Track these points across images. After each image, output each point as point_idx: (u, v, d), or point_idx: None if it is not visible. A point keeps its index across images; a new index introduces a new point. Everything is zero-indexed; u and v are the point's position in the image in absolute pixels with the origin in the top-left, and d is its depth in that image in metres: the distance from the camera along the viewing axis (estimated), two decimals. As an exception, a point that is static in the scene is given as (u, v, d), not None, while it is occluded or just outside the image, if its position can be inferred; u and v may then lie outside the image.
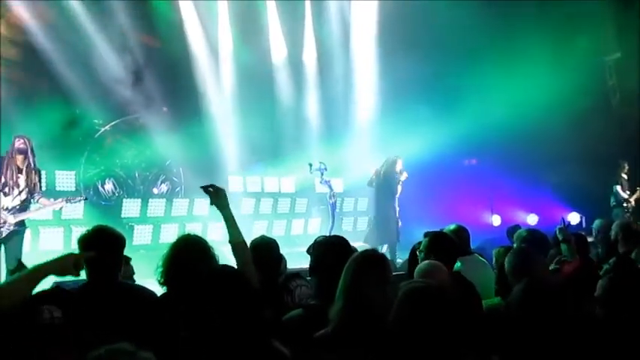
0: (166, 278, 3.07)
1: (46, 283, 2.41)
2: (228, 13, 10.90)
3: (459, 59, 11.28)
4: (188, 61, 10.50)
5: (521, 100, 10.79)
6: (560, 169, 11.37)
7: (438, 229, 4.26)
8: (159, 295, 3.17)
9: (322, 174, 8.99)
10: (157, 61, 9.92)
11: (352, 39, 12.08)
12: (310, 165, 9.02)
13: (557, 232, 4.50)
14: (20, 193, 6.60)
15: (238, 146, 10.64)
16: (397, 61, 11.02)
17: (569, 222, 4.92)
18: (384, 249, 9.25)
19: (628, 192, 10.45)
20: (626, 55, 11.58)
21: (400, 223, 9.43)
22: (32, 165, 6.70)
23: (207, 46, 10.77)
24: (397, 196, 9.43)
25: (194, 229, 8.49)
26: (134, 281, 3.87)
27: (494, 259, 4.35)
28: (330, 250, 3.19)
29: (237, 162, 10.67)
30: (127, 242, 3.20)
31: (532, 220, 11.58)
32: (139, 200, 9.62)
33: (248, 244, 3.83)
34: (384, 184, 9.49)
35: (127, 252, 3.61)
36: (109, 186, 9.61)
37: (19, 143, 6.66)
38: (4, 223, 6.47)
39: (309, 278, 3.55)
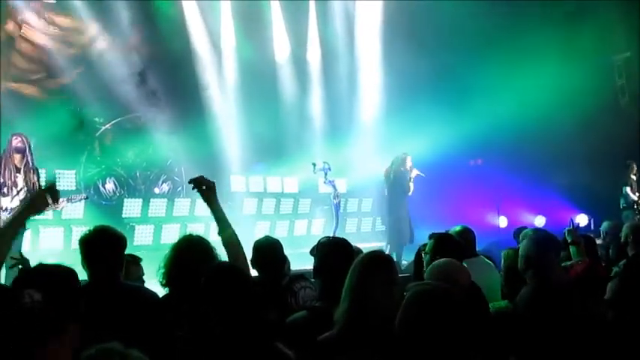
0: (168, 279, 3.07)
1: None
2: (231, 12, 10.83)
3: (464, 58, 11.19)
4: (191, 59, 10.43)
5: (528, 99, 10.70)
6: (568, 169, 11.27)
7: (443, 231, 4.17)
8: (161, 296, 3.15)
9: (326, 174, 8.93)
10: (159, 59, 9.86)
11: (356, 37, 12.01)
12: (314, 165, 8.95)
13: (566, 234, 4.41)
14: (19, 193, 6.46)
15: (241, 146, 10.57)
16: (402, 60, 10.95)
17: (578, 224, 4.82)
18: (388, 250, 9.15)
19: (638, 193, 10.30)
20: (636, 54, 11.49)
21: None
22: (30, 164, 6.54)
23: (210, 45, 10.72)
24: (409, 194, 9.35)
25: (196, 229, 8.40)
26: (143, 282, 3.87)
27: (502, 261, 4.25)
28: (334, 252, 3.17)
29: (239, 161, 10.60)
30: (127, 242, 3.17)
31: (539, 221, 11.47)
32: (140, 200, 9.58)
33: (251, 245, 3.79)
34: (394, 184, 9.41)
35: (127, 252, 3.61)
36: (109, 185, 9.55)
37: (16, 142, 6.48)
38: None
39: (313, 280, 3.51)
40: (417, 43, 10.80)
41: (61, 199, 6.84)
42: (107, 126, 9.58)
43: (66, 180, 8.81)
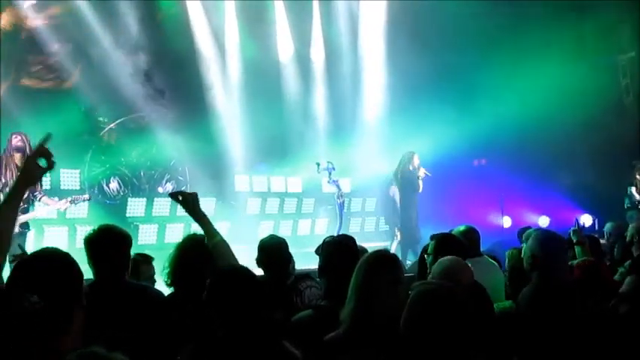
0: (173, 279, 3.08)
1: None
2: (235, 11, 10.83)
3: (468, 58, 11.16)
4: (194, 59, 10.43)
5: (532, 99, 10.65)
6: (573, 169, 11.23)
7: (446, 231, 4.16)
8: (166, 295, 3.16)
9: (330, 173, 8.92)
10: (163, 59, 9.86)
11: (360, 37, 11.99)
12: (318, 164, 8.95)
13: (572, 234, 4.40)
14: None
15: (245, 145, 10.56)
16: (406, 60, 10.92)
17: (583, 224, 4.81)
18: (392, 249, 9.15)
19: (643, 194, 10.25)
20: (641, 54, 11.42)
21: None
22: None
23: (214, 45, 10.71)
24: (419, 191, 9.38)
25: (200, 228, 8.40)
26: (155, 281, 3.88)
27: (506, 261, 4.24)
28: (339, 251, 3.17)
29: (243, 161, 10.59)
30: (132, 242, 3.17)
31: (543, 221, 11.42)
32: (144, 199, 9.60)
33: (255, 244, 3.79)
34: (403, 183, 9.47)
35: (135, 252, 3.62)
36: (113, 185, 9.56)
37: (16, 141, 6.45)
38: None
39: (318, 279, 3.50)
40: (421, 42, 10.77)
41: (64, 200, 6.83)
42: (111, 125, 9.59)
43: (70, 179, 8.83)
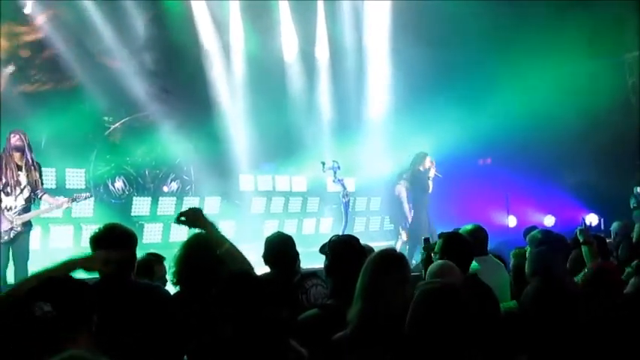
0: (179, 278, 3.07)
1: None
2: (240, 10, 10.83)
3: (474, 56, 11.13)
4: (199, 58, 10.43)
5: (538, 98, 10.63)
6: (578, 169, 11.19)
7: (452, 230, 4.15)
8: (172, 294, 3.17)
9: (335, 173, 8.92)
10: (168, 58, 9.87)
11: (365, 35, 11.97)
12: (323, 164, 8.94)
13: (578, 234, 4.38)
14: (22, 191, 6.40)
15: (249, 144, 10.55)
16: (411, 59, 10.91)
17: (590, 223, 4.80)
18: (397, 248, 9.14)
19: (649, 193, 10.21)
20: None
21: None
22: (31, 161, 6.44)
23: (218, 44, 10.71)
24: (429, 191, 9.45)
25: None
26: (166, 280, 3.83)
27: (512, 261, 4.23)
28: (347, 250, 3.17)
29: (248, 160, 10.59)
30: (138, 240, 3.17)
31: (549, 221, 11.38)
32: (149, 198, 9.60)
33: (261, 243, 3.78)
34: (413, 183, 9.55)
35: (137, 251, 3.62)
36: (119, 184, 9.57)
37: (15, 139, 6.36)
38: (12, 225, 6.30)
39: (325, 278, 3.50)
40: (426, 41, 10.75)
41: (65, 199, 6.82)
42: (116, 125, 9.60)
43: (76, 178, 8.85)
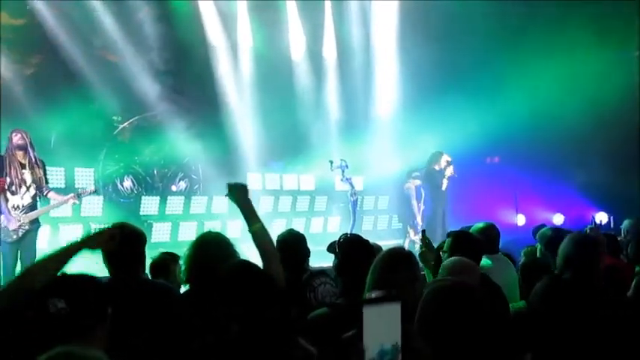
0: (189, 277, 3.07)
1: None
2: (247, 9, 10.84)
3: (481, 56, 11.09)
4: (207, 57, 10.45)
5: (546, 95, 10.57)
6: (587, 167, 11.11)
7: (461, 228, 4.14)
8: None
9: (343, 171, 8.93)
10: (176, 58, 9.89)
11: (373, 34, 11.96)
12: (331, 162, 8.96)
13: (588, 232, 4.34)
14: (28, 189, 6.42)
15: (257, 143, 10.57)
16: (418, 57, 10.89)
17: (600, 222, 4.77)
18: (405, 247, 9.14)
19: (660, 191, 10.13)
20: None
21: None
22: (34, 159, 6.47)
23: (226, 43, 10.72)
24: (443, 190, 9.49)
25: (213, 226, 8.44)
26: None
27: (522, 259, 4.21)
28: (357, 249, 3.17)
29: (256, 159, 10.60)
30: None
31: (558, 219, 11.33)
32: (158, 198, 9.62)
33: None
34: (426, 182, 9.61)
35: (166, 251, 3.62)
36: (127, 183, 9.61)
37: (17, 138, 6.38)
38: (20, 224, 6.32)
39: (334, 276, 3.51)
40: (433, 40, 10.73)
41: (69, 195, 6.82)
42: (125, 124, 9.64)
43: (84, 178, 8.89)
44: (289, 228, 4.07)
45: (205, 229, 3.56)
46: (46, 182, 6.66)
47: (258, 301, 2.26)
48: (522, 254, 4.31)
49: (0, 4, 8.34)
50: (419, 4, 11.17)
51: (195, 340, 2.52)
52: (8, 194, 6.32)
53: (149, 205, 9.48)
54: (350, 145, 10.76)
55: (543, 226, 5.78)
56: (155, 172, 9.92)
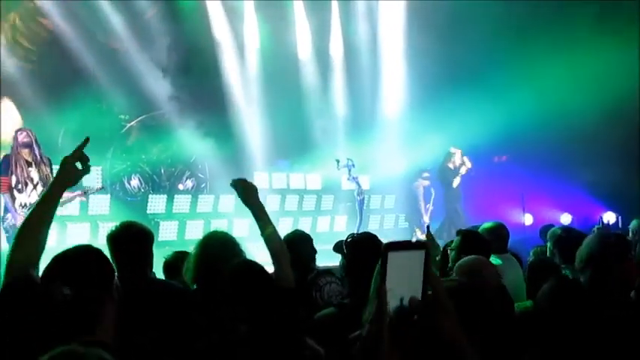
0: (195, 276, 3.04)
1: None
2: (254, 8, 10.85)
3: (488, 55, 11.05)
4: (214, 56, 10.47)
5: (553, 94, 10.51)
6: (595, 166, 11.03)
7: (470, 227, 4.13)
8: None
9: (350, 170, 8.93)
10: (183, 57, 9.91)
11: (379, 33, 11.94)
12: (337, 161, 8.96)
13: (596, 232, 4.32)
14: (35, 187, 6.42)
15: (264, 142, 10.58)
16: (425, 57, 10.88)
17: (608, 222, 4.74)
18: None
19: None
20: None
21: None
22: (40, 156, 6.49)
23: (233, 42, 10.74)
24: (454, 187, 9.55)
25: (220, 225, 8.45)
26: None
27: (531, 258, 4.19)
28: (363, 249, 3.11)
29: (262, 158, 10.62)
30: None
31: (566, 219, 11.28)
32: (165, 196, 9.65)
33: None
34: (439, 179, 9.68)
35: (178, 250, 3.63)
36: (135, 182, 9.64)
37: (22, 137, 6.41)
38: None
39: (340, 276, 3.48)
40: (440, 39, 10.69)
41: (78, 191, 6.83)
42: (132, 123, 9.67)
43: (92, 176, 8.91)
44: (295, 229, 4.06)
45: (212, 228, 3.56)
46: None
47: (261, 300, 2.25)
48: (531, 254, 4.29)
49: (10, 4, 8.38)
50: (426, 3, 11.15)
51: (202, 340, 2.52)
52: (15, 192, 6.33)
53: (156, 203, 9.51)
54: (356, 144, 10.75)
55: (551, 225, 5.76)
56: (162, 170, 9.95)
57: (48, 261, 2.16)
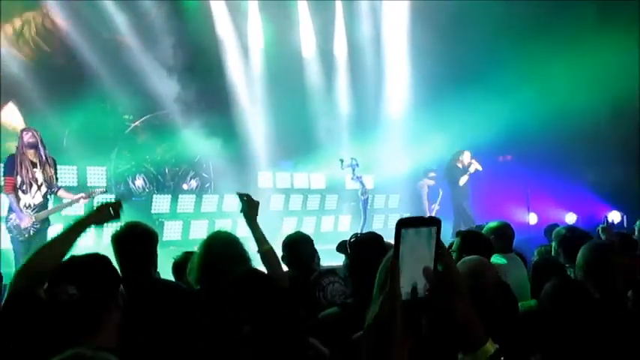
0: (199, 277, 3.05)
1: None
2: (258, 8, 10.86)
3: (492, 54, 11.02)
4: (219, 56, 10.48)
5: (558, 94, 10.48)
6: (600, 165, 11.01)
7: (475, 227, 4.12)
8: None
9: (354, 170, 8.92)
10: (187, 57, 9.92)
11: (383, 33, 11.93)
12: (341, 161, 8.96)
13: (600, 232, 4.31)
14: (39, 188, 6.40)
15: (268, 142, 10.59)
16: (429, 56, 10.86)
17: (612, 221, 4.72)
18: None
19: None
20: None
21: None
22: (45, 157, 6.44)
23: (237, 42, 10.75)
24: (461, 185, 9.61)
25: (224, 225, 8.45)
26: None
27: (536, 257, 4.18)
28: (367, 249, 3.12)
29: (267, 158, 10.62)
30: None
31: (570, 218, 11.24)
32: (169, 196, 9.66)
33: (279, 240, 3.79)
34: (447, 178, 9.73)
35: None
36: (139, 182, 9.66)
37: (27, 137, 6.35)
38: (32, 223, 6.33)
39: (344, 276, 3.48)
40: (444, 39, 10.68)
41: (82, 193, 6.84)
42: (136, 123, 9.69)
43: (97, 176, 8.94)
44: (296, 231, 4.09)
45: (216, 228, 3.57)
46: (57, 180, 6.63)
47: (264, 302, 2.26)
48: (536, 253, 4.28)
49: (15, 5, 8.41)
50: (429, 3, 11.13)
51: (204, 340, 2.52)
52: (20, 193, 6.30)
53: (160, 203, 9.52)
54: (360, 144, 10.75)
55: (556, 225, 5.75)
56: (166, 170, 9.97)
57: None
